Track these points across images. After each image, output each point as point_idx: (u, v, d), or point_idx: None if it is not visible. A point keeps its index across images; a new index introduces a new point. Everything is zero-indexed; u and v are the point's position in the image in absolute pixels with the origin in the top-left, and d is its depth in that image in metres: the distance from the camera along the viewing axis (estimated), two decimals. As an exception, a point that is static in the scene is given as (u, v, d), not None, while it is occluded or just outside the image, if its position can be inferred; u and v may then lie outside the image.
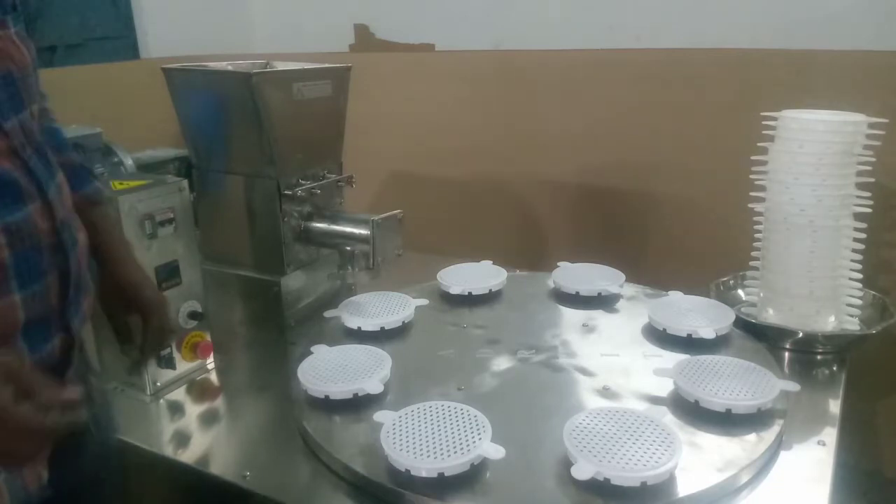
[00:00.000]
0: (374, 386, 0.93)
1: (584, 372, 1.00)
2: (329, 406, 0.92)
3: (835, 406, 0.96)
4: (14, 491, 0.66)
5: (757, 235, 1.19)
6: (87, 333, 0.80)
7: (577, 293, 1.24)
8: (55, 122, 0.87)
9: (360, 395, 0.92)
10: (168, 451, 0.92)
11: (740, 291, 1.27)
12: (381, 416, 0.85)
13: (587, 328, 1.14)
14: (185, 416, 1.00)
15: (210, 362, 1.11)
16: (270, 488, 0.82)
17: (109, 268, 0.85)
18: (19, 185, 0.64)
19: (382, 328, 1.12)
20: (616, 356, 1.04)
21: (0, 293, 0.62)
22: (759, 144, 1.15)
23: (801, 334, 1.10)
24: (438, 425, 0.82)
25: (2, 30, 0.66)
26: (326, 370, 0.97)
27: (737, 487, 0.78)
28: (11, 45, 0.67)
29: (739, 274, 1.28)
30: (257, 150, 1.18)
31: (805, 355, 1.11)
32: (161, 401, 1.03)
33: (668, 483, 0.75)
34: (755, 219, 1.18)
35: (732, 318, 1.10)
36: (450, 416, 0.84)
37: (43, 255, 0.66)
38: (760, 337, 1.10)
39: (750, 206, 1.18)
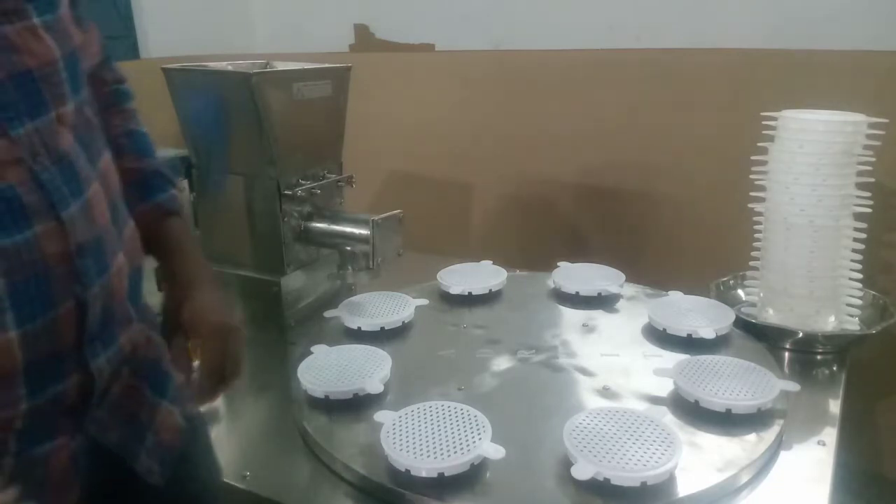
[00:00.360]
0: (374, 386, 0.93)
1: (584, 372, 1.00)
2: (329, 406, 0.92)
3: (835, 406, 0.96)
4: None
5: (757, 235, 1.19)
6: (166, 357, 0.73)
7: (577, 293, 1.24)
8: (141, 126, 0.80)
9: (360, 395, 0.92)
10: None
11: (740, 291, 1.27)
12: (381, 416, 0.85)
13: (587, 328, 1.14)
14: (185, 416, 1.00)
15: (210, 362, 1.11)
16: (270, 488, 0.82)
17: (173, 285, 0.76)
18: (21, 201, 0.54)
19: (382, 328, 1.12)
20: (616, 356, 1.04)
21: None
22: (759, 144, 1.15)
23: (801, 334, 1.10)
24: (438, 425, 0.82)
25: (21, 21, 0.57)
26: (326, 370, 0.97)
27: (737, 487, 0.78)
28: (32, 39, 0.57)
29: (739, 274, 1.28)
30: (257, 150, 1.18)
31: (805, 355, 1.11)
32: (161, 401, 1.03)
33: (668, 483, 0.75)
34: (755, 219, 1.18)
35: (732, 318, 1.10)
36: (450, 416, 0.84)
37: (52, 284, 0.56)
38: (760, 337, 1.10)
39: (750, 206, 1.18)
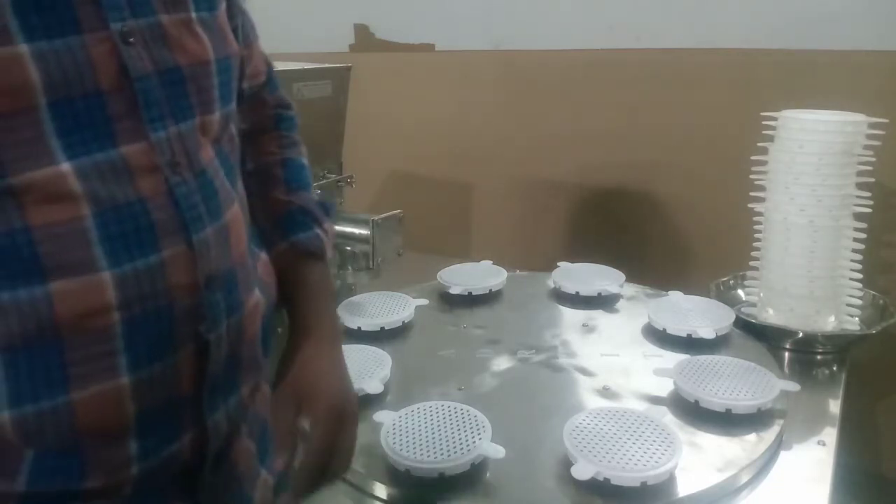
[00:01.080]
0: (374, 386, 0.92)
1: (584, 372, 1.00)
2: (329, 406, 0.92)
3: (835, 406, 0.96)
4: None
5: (757, 235, 1.19)
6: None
7: (577, 293, 1.24)
8: (300, 156, 0.72)
9: (360, 395, 0.92)
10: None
11: (740, 291, 1.27)
12: (381, 416, 0.85)
13: (587, 328, 1.14)
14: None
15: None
16: (270, 488, 0.82)
17: (293, 340, 0.64)
18: (150, 219, 0.47)
19: (382, 328, 1.12)
20: (616, 356, 1.04)
21: (101, 374, 0.45)
22: (759, 144, 1.15)
23: (801, 334, 1.10)
24: (438, 425, 0.82)
25: (179, 13, 0.51)
26: (326, 370, 0.97)
27: (737, 487, 0.78)
28: (186, 34, 0.51)
29: (739, 274, 1.28)
30: (257, 150, 1.18)
31: (805, 355, 1.11)
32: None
33: (668, 483, 0.75)
34: (755, 219, 1.18)
35: (732, 318, 1.10)
36: (450, 416, 0.84)
37: (174, 322, 0.47)
38: (760, 337, 1.10)
39: (750, 206, 1.18)
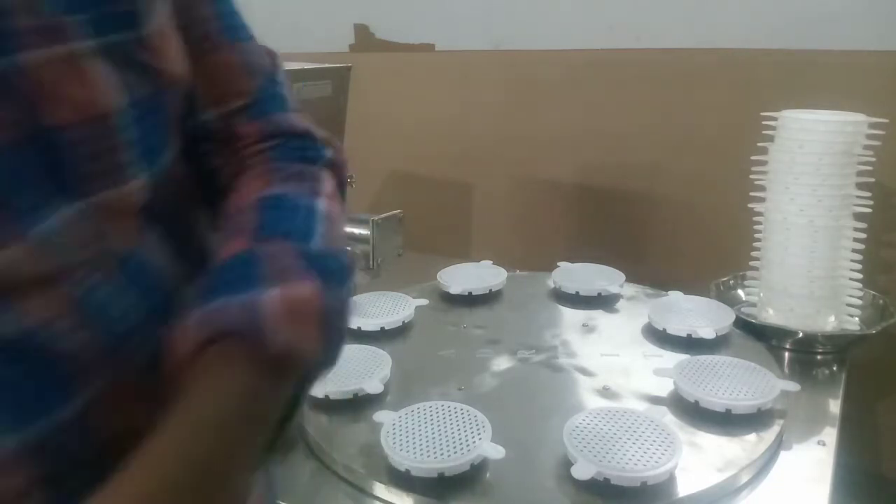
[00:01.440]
0: (374, 386, 0.93)
1: (584, 372, 1.00)
2: (329, 406, 0.92)
3: (835, 406, 0.96)
4: None
5: (757, 235, 1.19)
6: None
7: (577, 293, 1.24)
8: (310, 195, 0.47)
9: (360, 395, 0.92)
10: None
11: (740, 291, 1.27)
12: (381, 416, 0.85)
13: (587, 328, 1.14)
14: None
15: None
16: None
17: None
18: (56, 350, 0.33)
19: (382, 328, 1.12)
20: (616, 356, 1.04)
21: None
22: (759, 144, 1.15)
23: (801, 334, 1.10)
24: (438, 425, 0.82)
25: (56, 45, 0.33)
26: (326, 370, 0.97)
27: (737, 487, 0.78)
28: (71, 78, 0.34)
29: (739, 274, 1.28)
30: (257, 150, 1.18)
31: (805, 355, 1.11)
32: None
33: (668, 483, 0.75)
34: (755, 219, 1.18)
35: (732, 318, 1.10)
36: (450, 416, 0.84)
37: None
38: (760, 337, 1.10)
39: (750, 206, 1.18)
